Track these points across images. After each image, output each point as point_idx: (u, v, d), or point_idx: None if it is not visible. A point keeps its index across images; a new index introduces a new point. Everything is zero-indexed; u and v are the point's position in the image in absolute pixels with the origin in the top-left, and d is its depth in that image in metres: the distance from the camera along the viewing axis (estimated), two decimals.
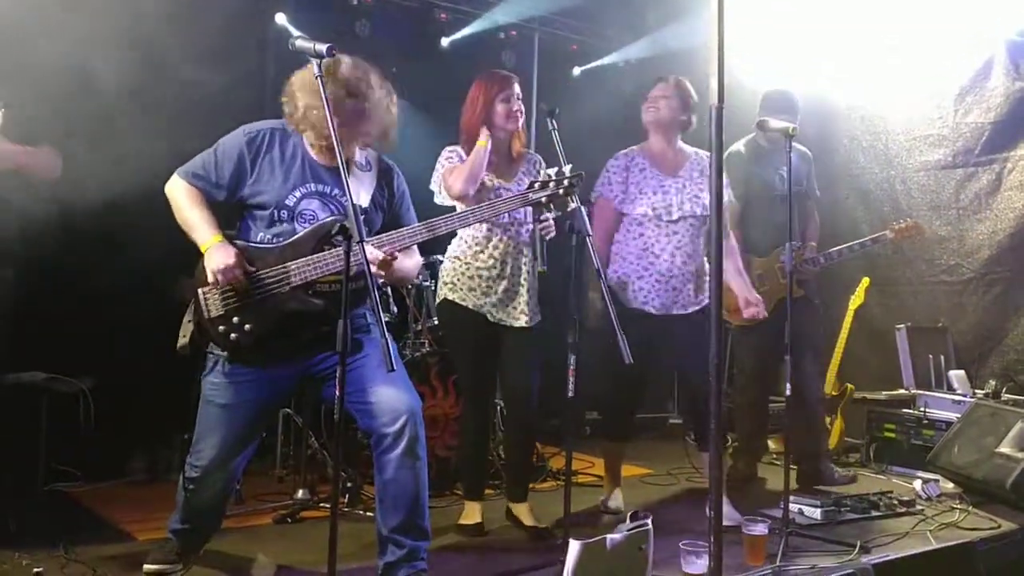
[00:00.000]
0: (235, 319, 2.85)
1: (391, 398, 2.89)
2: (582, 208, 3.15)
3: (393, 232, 2.96)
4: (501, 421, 4.57)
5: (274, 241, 2.91)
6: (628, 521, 2.93)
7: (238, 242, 2.91)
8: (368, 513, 3.90)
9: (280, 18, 5.22)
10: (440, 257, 4.27)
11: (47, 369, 4.20)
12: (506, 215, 3.65)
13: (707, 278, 4.00)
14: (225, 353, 2.91)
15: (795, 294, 3.95)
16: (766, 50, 5.59)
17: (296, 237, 2.89)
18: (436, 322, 4.37)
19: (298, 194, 2.93)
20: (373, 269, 2.75)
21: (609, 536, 2.73)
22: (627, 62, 6.51)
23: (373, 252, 2.76)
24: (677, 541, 3.15)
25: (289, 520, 3.81)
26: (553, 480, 4.69)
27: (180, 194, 2.93)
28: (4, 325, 3.19)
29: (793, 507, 3.90)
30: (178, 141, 3.24)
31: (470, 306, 3.72)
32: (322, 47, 2.62)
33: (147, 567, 3.02)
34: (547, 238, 3.52)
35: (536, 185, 3.17)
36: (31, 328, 3.31)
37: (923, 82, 5.63)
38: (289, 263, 2.86)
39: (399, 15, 5.66)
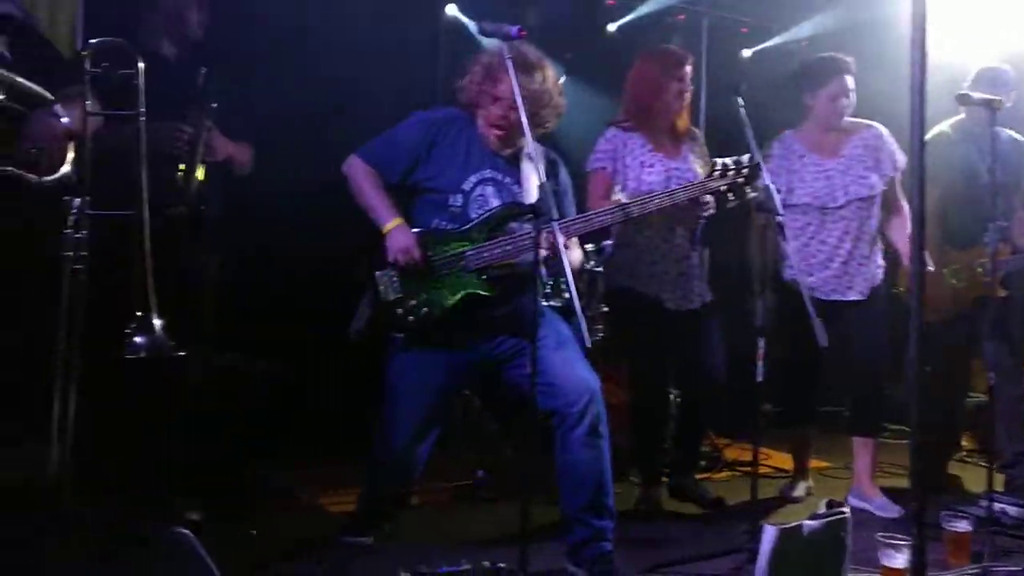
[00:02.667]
0: (412, 302, 2.94)
1: (572, 378, 2.91)
2: (772, 188, 3.06)
3: (588, 213, 2.98)
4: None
5: (448, 226, 2.95)
6: (823, 508, 2.83)
7: (416, 228, 2.98)
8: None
9: (451, 9, 5.30)
10: (609, 243, 4.25)
11: (245, 352, 4.45)
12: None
13: (877, 260, 3.87)
14: (402, 336, 2.97)
15: (996, 293, 3.73)
16: (969, 26, 5.23)
17: (473, 223, 2.94)
18: (606, 309, 4.34)
19: (474, 179, 2.98)
20: (545, 254, 2.76)
21: (806, 522, 2.64)
22: (797, 42, 6.27)
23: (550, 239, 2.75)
24: (864, 534, 3.01)
25: (470, 499, 3.88)
26: (728, 471, 4.58)
27: (360, 175, 3.01)
28: (212, 309, 3.37)
29: (995, 506, 3.65)
30: (354, 132, 3.33)
31: (644, 292, 3.66)
32: (511, 29, 2.67)
33: (342, 539, 3.13)
34: (706, 215, 3.49)
35: (716, 173, 3.14)
36: (231, 312, 3.49)
37: None
38: (466, 247, 2.91)
39: (566, 1, 5.64)
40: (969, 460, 4.85)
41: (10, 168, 2.47)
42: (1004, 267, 3.96)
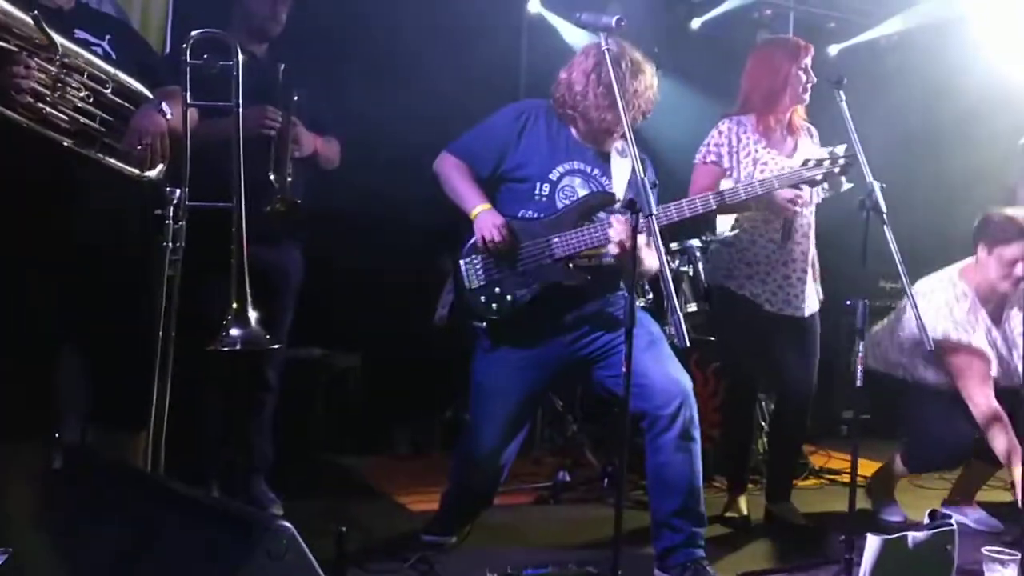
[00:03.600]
0: (496, 289, 2.88)
1: (664, 379, 2.84)
2: (876, 185, 2.94)
3: (680, 201, 2.92)
4: (765, 414, 4.38)
5: (535, 215, 2.92)
6: (927, 520, 2.72)
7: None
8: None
9: (533, 5, 5.27)
10: (695, 243, 4.16)
11: (322, 345, 4.49)
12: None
13: None
14: (485, 325, 2.93)
15: None
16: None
17: (560, 212, 2.90)
18: (694, 309, 4.24)
19: (561, 169, 2.93)
20: (615, 251, 2.74)
21: (911, 534, 2.54)
22: (887, 38, 6.09)
23: (622, 232, 2.72)
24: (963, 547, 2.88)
25: (551, 501, 3.83)
26: (815, 478, 4.45)
27: (449, 168, 2.99)
28: (295, 301, 3.39)
29: None
30: (438, 125, 3.33)
31: (747, 294, 3.52)
32: (609, 19, 2.62)
33: (425, 538, 3.11)
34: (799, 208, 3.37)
35: (810, 163, 3.04)
36: (309, 305, 3.51)
37: None
38: (552, 236, 2.87)
39: None
40: None
41: (113, 160, 2.51)
42: None
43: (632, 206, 2.47)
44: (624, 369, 2.41)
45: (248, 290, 2.43)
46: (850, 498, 2.99)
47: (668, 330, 3.14)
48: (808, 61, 3.47)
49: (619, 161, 2.98)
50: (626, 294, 2.98)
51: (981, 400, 3.47)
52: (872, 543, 2.45)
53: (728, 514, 3.66)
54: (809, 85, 3.48)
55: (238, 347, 2.39)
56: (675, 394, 2.82)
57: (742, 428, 3.78)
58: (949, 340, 3.48)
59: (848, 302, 2.89)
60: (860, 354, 2.96)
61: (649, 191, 2.46)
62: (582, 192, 2.91)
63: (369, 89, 4.12)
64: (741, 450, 3.80)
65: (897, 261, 2.91)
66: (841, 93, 3.10)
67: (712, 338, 4.13)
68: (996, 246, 3.54)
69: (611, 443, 4.14)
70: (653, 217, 2.45)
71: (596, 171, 2.96)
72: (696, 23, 5.71)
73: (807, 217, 3.54)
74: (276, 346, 2.78)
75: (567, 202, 2.91)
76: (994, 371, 3.54)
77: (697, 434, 2.86)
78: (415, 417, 4.61)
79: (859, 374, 2.97)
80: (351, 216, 4.24)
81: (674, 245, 4.19)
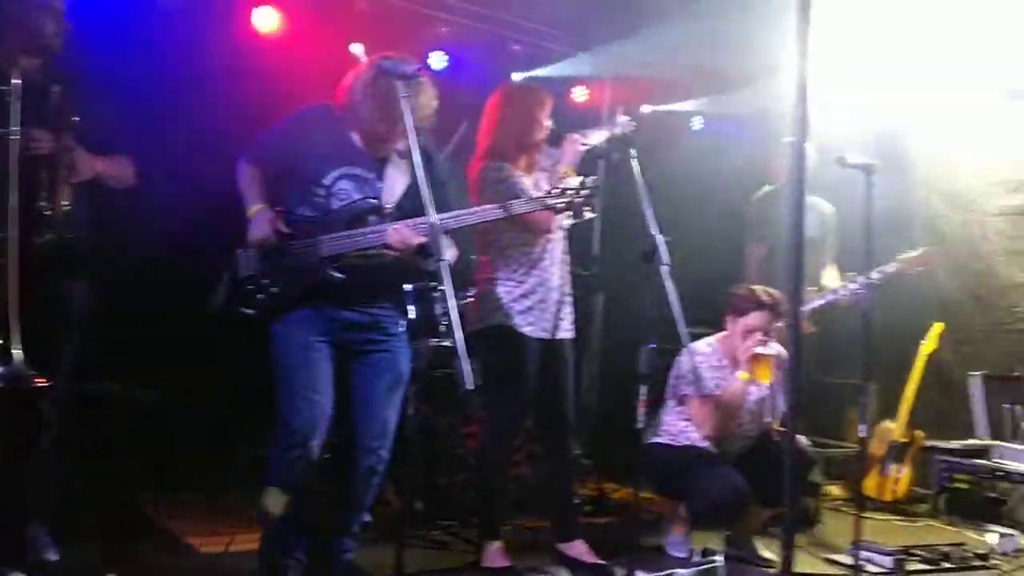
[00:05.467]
0: (263, 280, 3.05)
1: (384, 425, 3.13)
2: (661, 239, 3.14)
3: (468, 211, 3.08)
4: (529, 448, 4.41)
5: (312, 215, 3.07)
6: (698, 556, 2.88)
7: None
8: (430, 541, 3.89)
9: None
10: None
11: (117, 379, 4.29)
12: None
13: None
14: (253, 312, 3.05)
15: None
16: (841, 90, 5.56)
17: (331, 213, 3.05)
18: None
19: (336, 173, 3.09)
20: (394, 253, 2.93)
21: (679, 571, 2.68)
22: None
23: (404, 233, 2.89)
24: None
25: None
26: (615, 514, 4.60)
27: (239, 171, 3.16)
28: (79, 335, 3.23)
29: (862, 555, 3.78)
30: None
31: (520, 328, 3.60)
32: (408, 68, 2.76)
33: None
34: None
35: (555, 191, 3.13)
36: (102, 338, 3.36)
37: (1000, 126, 5.51)
38: (322, 236, 3.00)
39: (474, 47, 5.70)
40: (843, 510, 5.00)
41: None
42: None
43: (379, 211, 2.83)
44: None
45: (16, 325, 2.31)
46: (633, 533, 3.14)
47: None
48: (549, 108, 3.68)
49: (399, 165, 3.13)
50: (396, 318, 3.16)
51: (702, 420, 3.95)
52: None
53: (490, 565, 3.57)
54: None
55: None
56: (385, 441, 3.14)
57: (496, 468, 3.76)
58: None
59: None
60: (643, 397, 3.15)
61: (428, 197, 2.70)
62: (356, 196, 3.07)
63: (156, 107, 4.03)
64: (502, 492, 3.80)
65: (676, 315, 3.11)
66: (632, 151, 3.33)
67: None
68: (739, 317, 3.98)
69: (411, 483, 4.16)
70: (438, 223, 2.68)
71: (372, 176, 3.10)
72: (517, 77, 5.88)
73: (561, 243, 3.72)
74: (43, 384, 2.64)
75: (339, 205, 3.06)
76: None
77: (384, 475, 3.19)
78: (215, 455, 4.47)
79: (641, 416, 3.16)
80: (147, 245, 4.11)
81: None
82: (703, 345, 4.10)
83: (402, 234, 2.90)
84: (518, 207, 3.12)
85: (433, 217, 2.71)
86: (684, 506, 3.92)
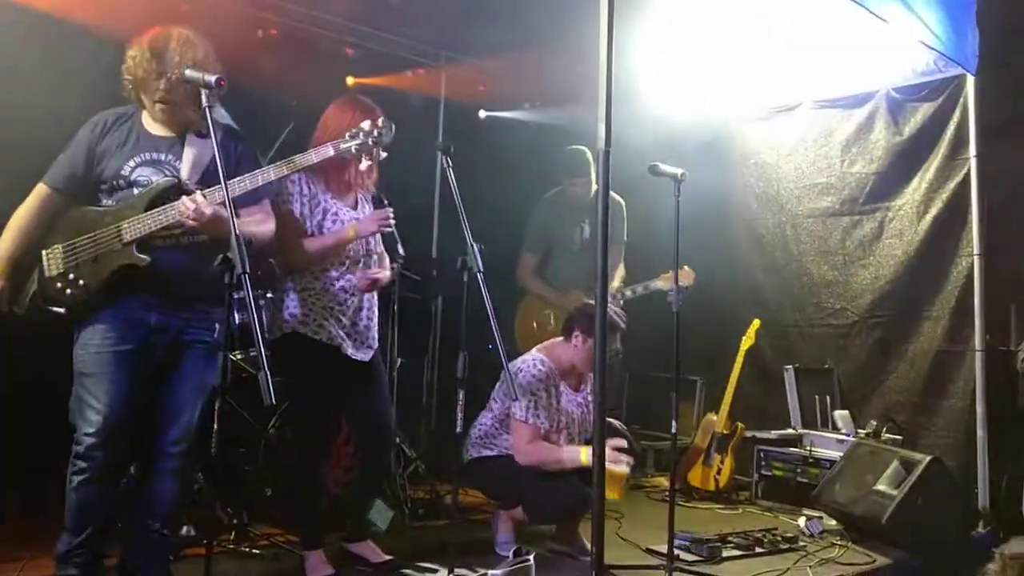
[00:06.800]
0: (71, 276, 3.01)
1: (187, 423, 3.10)
2: (475, 247, 3.21)
3: (260, 169, 3.09)
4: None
5: (113, 205, 3.06)
6: (511, 556, 2.95)
7: (77, 208, 3.07)
8: (255, 551, 3.84)
9: None
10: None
11: None
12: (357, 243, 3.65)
13: None
14: (63, 311, 3.00)
15: None
16: (666, 92, 5.83)
17: (131, 199, 3.04)
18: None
19: (134, 162, 3.08)
20: (192, 224, 2.94)
21: (491, 572, 2.75)
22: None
23: (197, 200, 2.91)
24: None
25: (171, 558, 3.69)
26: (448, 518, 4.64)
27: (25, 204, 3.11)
28: None
29: (677, 543, 3.96)
30: None
31: (322, 339, 3.58)
32: (211, 79, 2.71)
33: None
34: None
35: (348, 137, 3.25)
36: None
37: (813, 132, 5.88)
38: (122, 222, 2.99)
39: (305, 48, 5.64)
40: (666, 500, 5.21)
41: None
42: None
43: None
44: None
45: None
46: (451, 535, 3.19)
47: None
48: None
49: (198, 142, 3.13)
50: (216, 321, 3.13)
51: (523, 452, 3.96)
52: None
53: None
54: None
55: None
56: (184, 436, 3.10)
57: (318, 478, 3.77)
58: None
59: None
60: (460, 402, 3.21)
61: (222, 165, 2.70)
62: (155, 179, 3.06)
63: None
64: (319, 501, 3.78)
65: (494, 328, 3.17)
66: (448, 160, 3.37)
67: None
68: (590, 337, 3.99)
69: (241, 498, 4.10)
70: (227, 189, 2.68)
71: (170, 157, 3.12)
72: (351, 81, 5.85)
73: (374, 263, 3.74)
74: None
75: (140, 191, 3.05)
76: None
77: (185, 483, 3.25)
78: (26, 478, 4.25)
79: (459, 420, 3.21)
80: None
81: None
82: (535, 364, 4.07)
83: (195, 202, 2.90)
84: (310, 158, 3.17)
85: (224, 183, 2.68)
86: (519, 509, 3.96)
